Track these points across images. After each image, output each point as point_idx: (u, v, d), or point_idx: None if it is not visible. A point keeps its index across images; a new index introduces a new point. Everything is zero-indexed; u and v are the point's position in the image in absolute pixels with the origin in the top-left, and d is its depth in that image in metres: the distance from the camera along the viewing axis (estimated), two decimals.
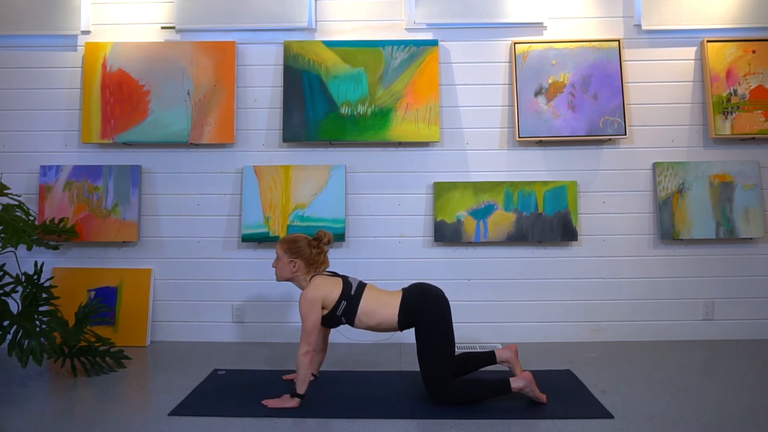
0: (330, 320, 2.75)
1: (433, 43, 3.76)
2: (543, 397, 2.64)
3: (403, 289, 2.77)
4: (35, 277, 3.13)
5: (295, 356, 3.33)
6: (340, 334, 3.77)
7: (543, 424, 2.45)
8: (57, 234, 3.61)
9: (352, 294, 2.72)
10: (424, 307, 2.66)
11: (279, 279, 2.84)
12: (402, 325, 2.70)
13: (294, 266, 2.78)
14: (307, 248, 2.79)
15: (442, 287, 2.80)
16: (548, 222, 3.72)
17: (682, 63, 3.82)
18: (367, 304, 2.71)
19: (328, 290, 2.71)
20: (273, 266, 2.86)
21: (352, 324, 2.73)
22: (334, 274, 2.84)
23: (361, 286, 2.77)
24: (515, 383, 2.60)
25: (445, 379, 2.61)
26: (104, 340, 3.21)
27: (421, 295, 2.71)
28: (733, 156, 3.80)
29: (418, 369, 2.75)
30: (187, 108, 3.77)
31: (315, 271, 2.82)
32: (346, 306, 2.70)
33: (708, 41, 3.76)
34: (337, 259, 3.79)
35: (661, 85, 3.82)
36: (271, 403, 2.65)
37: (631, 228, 3.80)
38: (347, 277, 2.81)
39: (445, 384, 2.61)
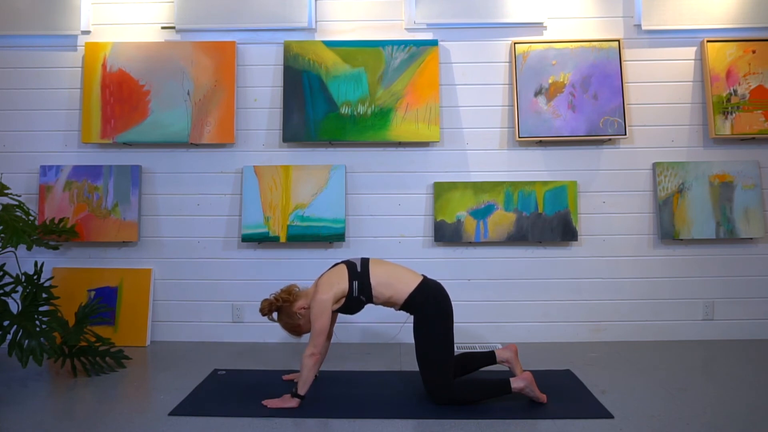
0: (351, 307, 2.75)
1: (433, 43, 3.76)
2: (543, 398, 2.65)
3: (424, 276, 2.79)
4: (35, 277, 3.13)
5: (295, 357, 3.33)
6: (340, 335, 3.78)
7: (543, 424, 2.45)
8: (57, 234, 3.61)
9: (359, 272, 2.73)
10: (436, 303, 2.69)
11: (307, 331, 2.80)
12: (406, 305, 2.70)
13: (302, 310, 2.76)
14: (288, 303, 2.77)
15: None
16: (548, 222, 3.72)
17: (682, 63, 3.82)
18: (380, 277, 2.72)
19: (335, 281, 2.71)
20: (300, 334, 2.83)
21: (371, 300, 2.73)
22: (335, 265, 2.85)
23: (365, 261, 2.79)
24: (515, 383, 2.61)
25: (446, 379, 2.62)
26: (104, 340, 3.21)
27: (438, 290, 2.74)
28: (733, 156, 3.80)
29: (417, 369, 2.76)
30: (187, 108, 3.77)
31: (301, 290, 2.84)
32: (359, 285, 2.70)
33: (708, 41, 3.76)
34: (338, 259, 3.78)
35: (661, 85, 3.82)
36: (271, 403, 2.65)
37: (631, 228, 3.80)
38: (348, 260, 2.82)
39: (445, 384, 2.61)
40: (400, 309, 2.75)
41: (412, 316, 2.73)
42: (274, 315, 2.81)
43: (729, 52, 3.75)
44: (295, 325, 2.80)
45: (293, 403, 2.63)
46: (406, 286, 2.70)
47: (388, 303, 2.75)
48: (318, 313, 2.64)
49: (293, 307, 2.76)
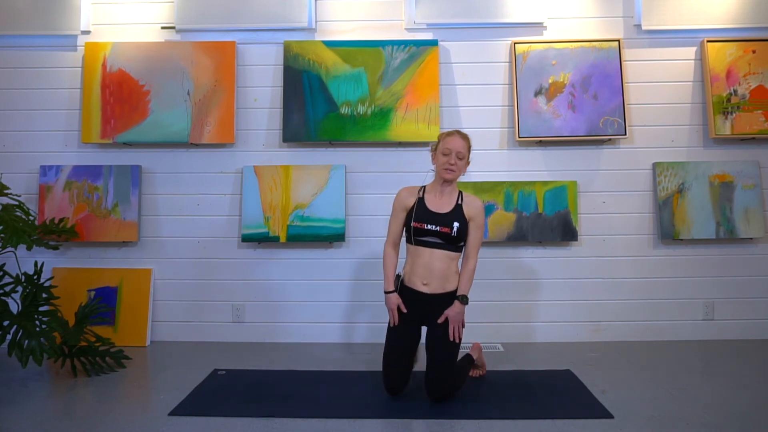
0: (423, 226, 2.75)
1: (433, 43, 3.76)
2: (484, 367, 3.09)
3: None
4: (35, 277, 3.13)
5: (294, 357, 3.34)
6: (339, 335, 3.78)
7: (543, 424, 2.45)
8: (57, 234, 3.61)
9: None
10: None
11: (454, 178, 2.74)
12: (453, 293, 2.74)
13: (467, 166, 2.80)
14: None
15: None
16: (548, 222, 3.72)
17: (682, 63, 3.82)
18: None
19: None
20: (453, 163, 2.70)
21: (456, 242, 2.74)
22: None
23: None
24: (473, 354, 3.01)
25: (460, 379, 2.78)
26: (104, 340, 3.21)
27: None
28: (733, 156, 3.80)
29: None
30: (187, 108, 3.77)
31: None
32: (459, 228, 2.75)
33: (708, 41, 3.76)
34: (337, 259, 3.80)
35: (661, 85, 3.82)
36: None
37: (631, 228, 3.80)
38: None
39: (457, 384, 2.74)
40: (444, 293, 2.72)
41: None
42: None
43: (729, 52, 3.75)
44: (467, 162, 2.78)
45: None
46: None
47: (450, 269, 2.74)
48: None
49: (466, 161, 2.79)
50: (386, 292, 2.78)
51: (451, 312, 2.68)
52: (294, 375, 3.11)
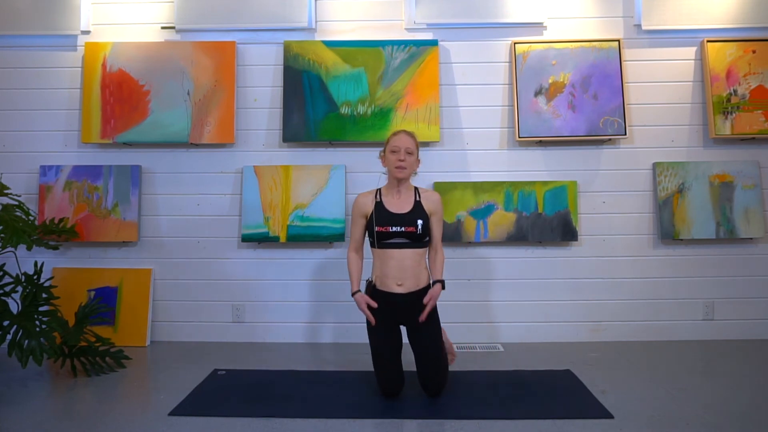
0: (383, 231, 2.75)
1: (433, 43, 3.76)
2: (452, 346, 3.07)
3: None
4: (35, 277, 3.13)
5: (293, 357, 3.33)
6: (337, 336, 3.78)
7: (543, 424, 2.45)
8: (57, 234, 3.61)
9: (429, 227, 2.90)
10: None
11: (406, 176, 2.77)
12: (428, 287, 2.75)
13: (418, 164, 2.85)
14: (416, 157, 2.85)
15: None
16: (548, 222, 3.72)
17: (682, 63, 3.82)
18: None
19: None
20: (403, 159, 2.73)
21: (419, 240, 2.74)
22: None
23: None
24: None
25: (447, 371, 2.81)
26: (104, 340, 3.21)
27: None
28: (733, 156, 3.80)
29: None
30: (187, 108, 3.77)
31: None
32: (423, 225, 2.78)
33: (708, 41, 3.76)
34: (337, 259, 3.80)
35: (661, 85, 3.82)
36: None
37: (631, 228, 3.80)
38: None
39: (447, 376, 2.79)
40: (418, 290, 2.72)
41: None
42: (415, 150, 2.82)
43: (729, 52, 3.75)
44: (417, 159, 2.82)
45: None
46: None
47: (420, 266, 2.74)
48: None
49: (418, 159, 2.85)
50: (353, 294, 2.79)
51: (434, 293, 2.71)
52: (294, 375, 3.11)
